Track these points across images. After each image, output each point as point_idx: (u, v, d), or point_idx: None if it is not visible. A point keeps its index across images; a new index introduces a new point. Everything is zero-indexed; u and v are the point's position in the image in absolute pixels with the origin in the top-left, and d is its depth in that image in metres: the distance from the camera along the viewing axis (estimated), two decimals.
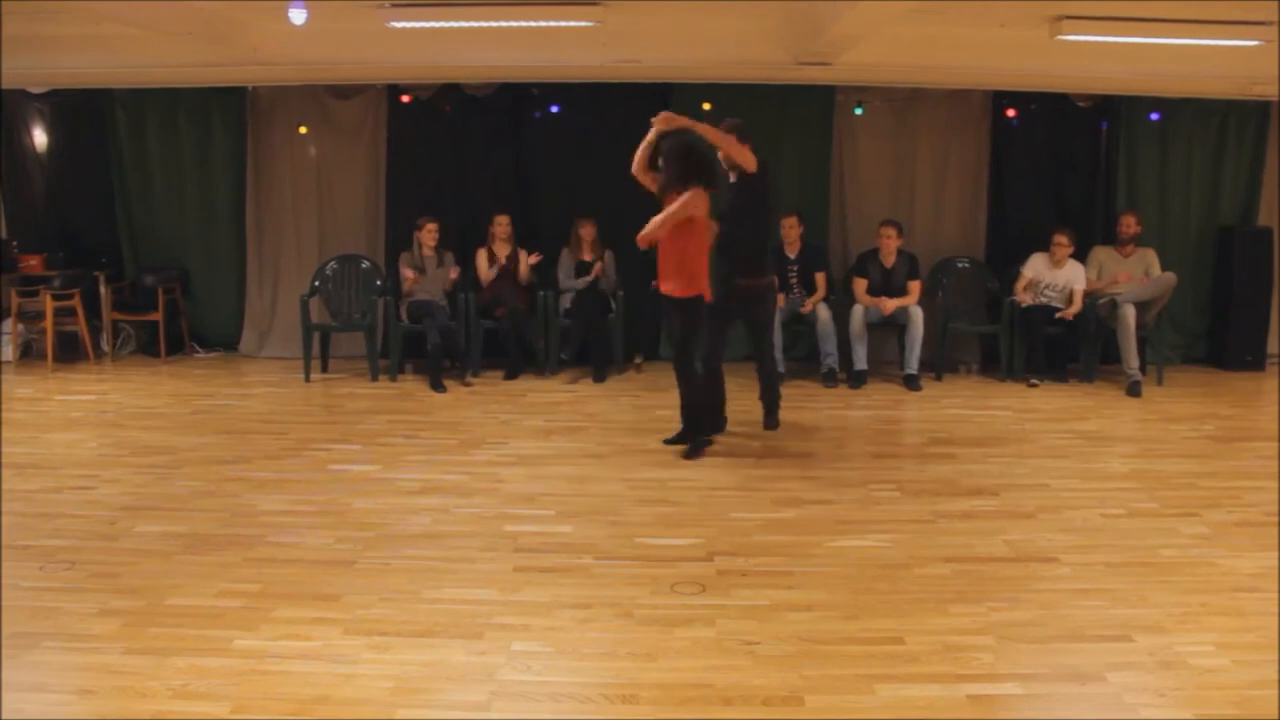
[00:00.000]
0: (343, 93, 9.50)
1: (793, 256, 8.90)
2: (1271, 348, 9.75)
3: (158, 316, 9.44)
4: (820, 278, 8.89)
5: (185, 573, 4.38)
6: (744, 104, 9.23)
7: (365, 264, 9.34)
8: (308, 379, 8.65)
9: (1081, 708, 3.35)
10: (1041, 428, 7.12)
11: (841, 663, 3.61)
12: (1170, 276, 8.58)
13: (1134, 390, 8.21)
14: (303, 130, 9.61)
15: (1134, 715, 3.27)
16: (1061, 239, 8.76)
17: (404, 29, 7.38)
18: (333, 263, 9.33)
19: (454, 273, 8.84)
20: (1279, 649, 3.70)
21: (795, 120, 9.43)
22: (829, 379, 8.56)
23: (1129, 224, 8.90)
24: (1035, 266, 8.88)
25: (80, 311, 9.21)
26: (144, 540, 4.79)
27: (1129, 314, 8.42)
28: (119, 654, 3.59)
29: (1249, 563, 4.62)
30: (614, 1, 6.88)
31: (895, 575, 4.47)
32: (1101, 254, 8.97)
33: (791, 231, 8.85)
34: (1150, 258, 8.86)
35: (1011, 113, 9.44)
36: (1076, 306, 8.66)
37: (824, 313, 8.67)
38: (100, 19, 7.22)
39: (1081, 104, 9.44)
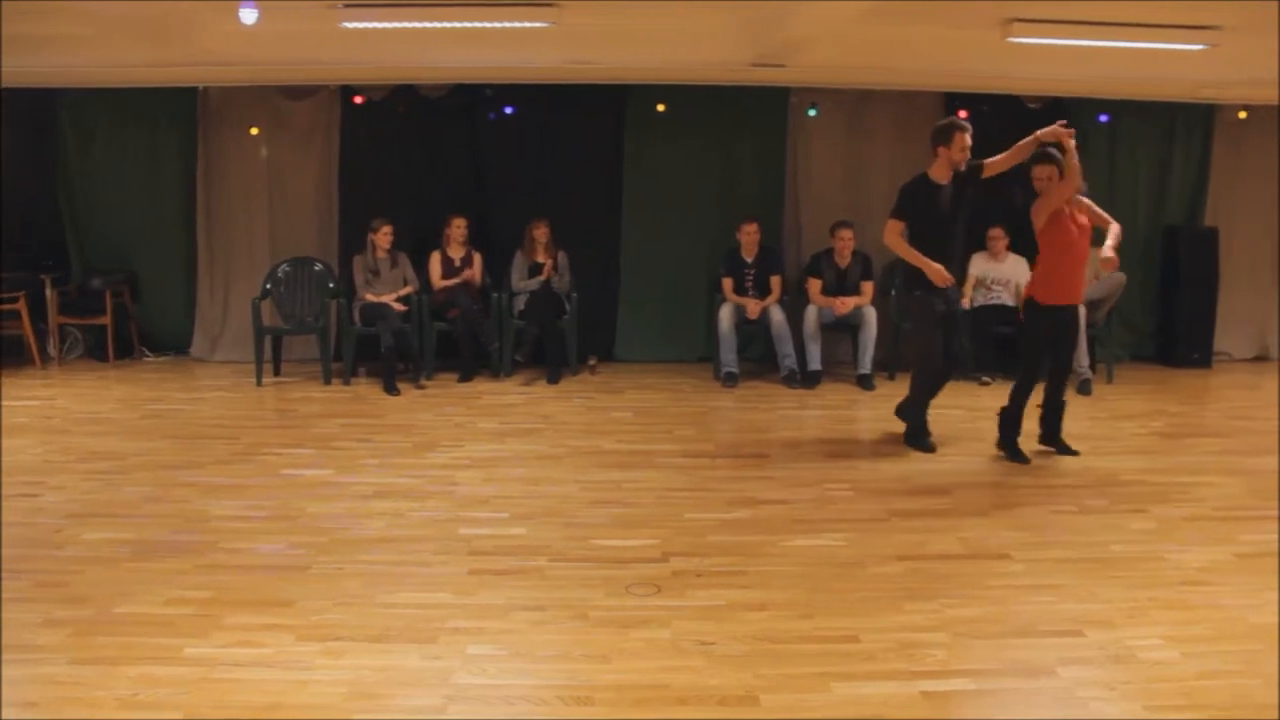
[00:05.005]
0: (295, 93, 9.41)
1: (750, 260, 8.94)
2: (1218, 345, 9.90)
3: (106, 320, 9.31)
4: (775, 280, 8.94)
5: (134, 580, 4.32)
6: (699, 105, 9.28)
7: (318, 266, 9.26)
8: (260, 383, 8.56)
9: (1033, 702, 3.38)
10: (993, 426, 7.14)
11: (797, 661, 3.62)
12: (1119, 276, 8.68)
13: (1084, 388, 8.31)
14: (254, 131, 9.50)
15: (1084, 709, 3.32)
16: (996, 232, 8.91)
17: (357, 29, 7.31)
18: (285, 265, 9.24)
19: (409, 289, 8.80)
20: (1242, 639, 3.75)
21: (750, 122, 9.47)
22: (790, 380, 8.60)
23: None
24: (978, 264, 8.99)
25: (25, 315, 9.05)
26: (91, 548, 4.71)
27: (1079, 313, 8.51)
28: (65, 664, 3.54)
29: (1196, 557, 4.70)
30: (569, 2, 6.86)
31: (850, 574, 4.50)
32: None
33: (751, 237, 8.89)
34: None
35: (963, 114, 9.47)
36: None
37: (778, 315, 8.71)
38: (47, 17, 7.10)
39: (1032, 105, 9.52)
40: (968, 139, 6.31)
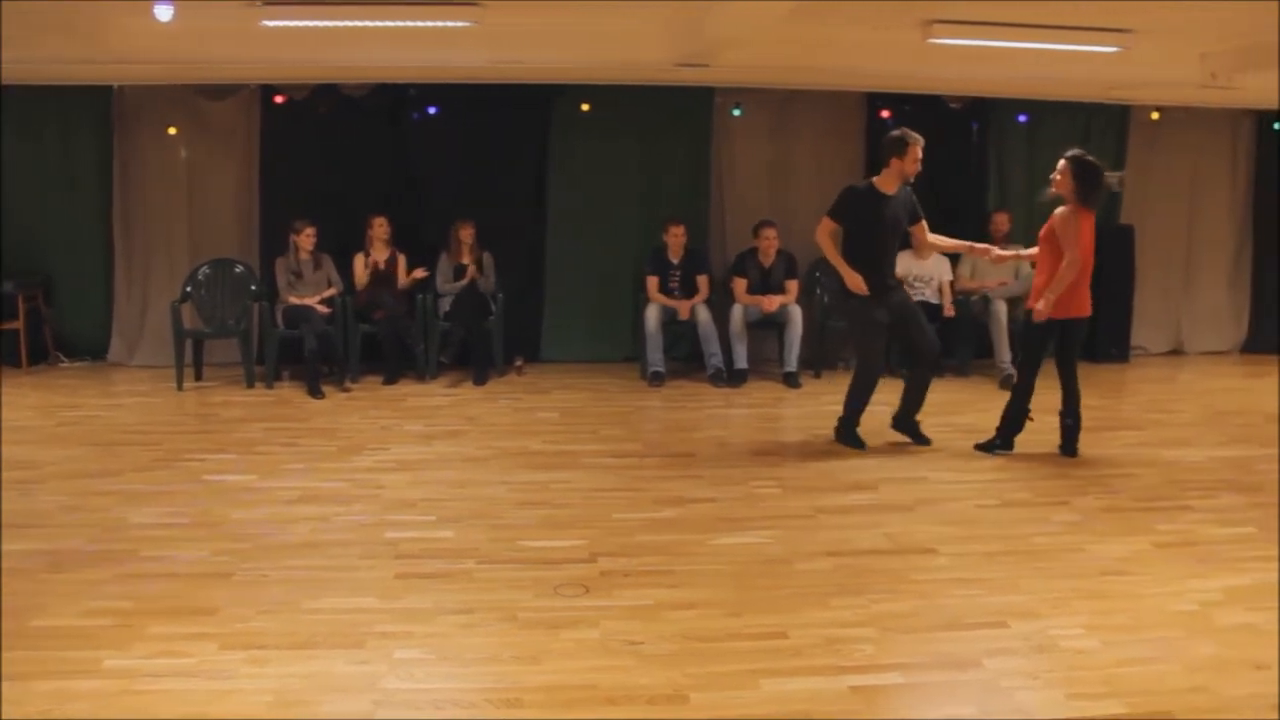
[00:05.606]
0: (214, 93, 9.25)
1: (675, 261, 8.97)
2: (1134, 340, 10.14)
3: (18, 325, 9.05)
4: (703, 280, 8.98)
5: (51, 592, 4.20)
6: (624, 105, 9.29)
7: (239, 268, 9.11)
8: (180, 388, 8.39)
9: (960, 694, 3.42)
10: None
11: (725, 659, 3.63)
12: None
13: (1006, 383, 8.39)
14: (172, 131, 9.33)
15: (1009, 699, 3.36)
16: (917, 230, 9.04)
17: (277, 28, 7.20)
18: (205, 267, 9.08)
19: (332, 291, 8.71)
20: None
21: (675, 121, 9.52)
22: (717, 379, 8.63)
23: (1001, 223, 9.18)
24: (902, 263, 9.07)
25: None
26: (5, 559, 4.56)
27: (1001, 310, 8.71)
28: None
29: (1116, 547, 4.80)
30: (492, 2, 6.82)
31: (777, 571, 4.52)
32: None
33: (677, 239, 8.92)
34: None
35: (886, 114, 9.63)
36: (948, 298, 8.93)
37: (704, 314, 8.75)
38: None
39: (954, 105, 9.67)
40: (919, 151, 6.37)
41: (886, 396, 6.76)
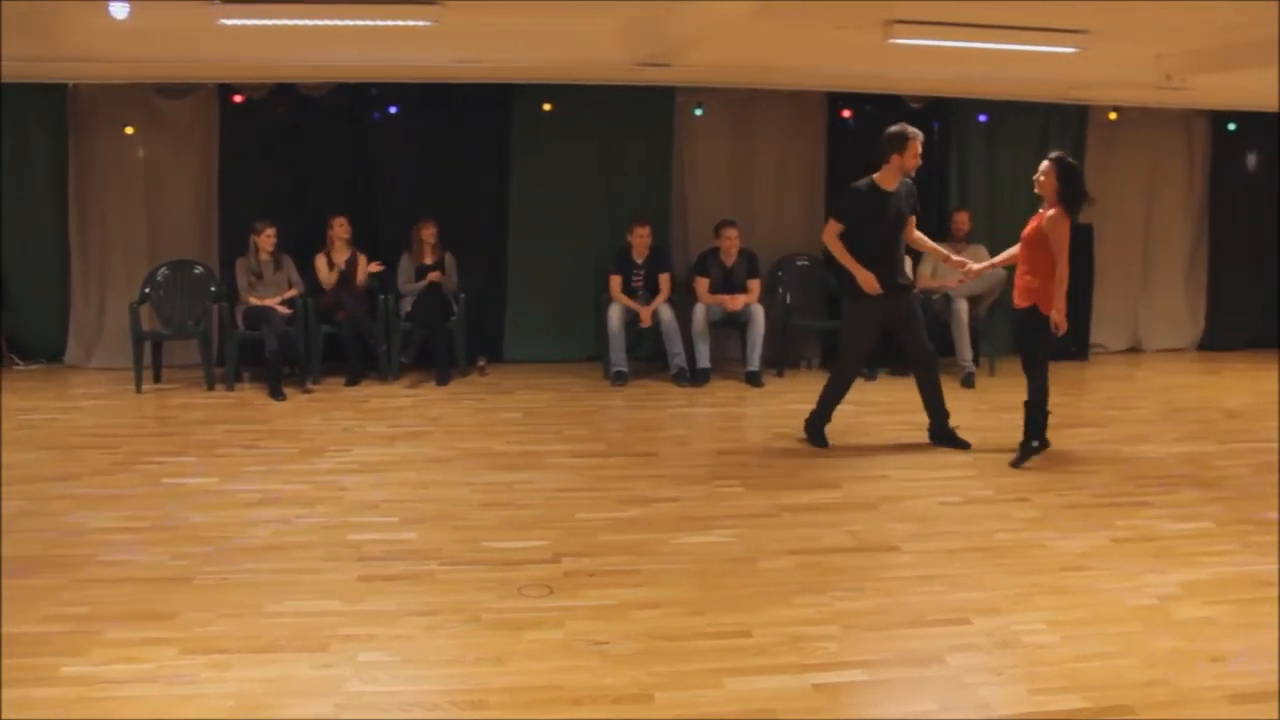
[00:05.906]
0: (172, 92, 9.15)
1: (640, 261, 8.96)
2: (1094, 338, 10.24)
3: None
4: (665, 279, 8.98)
5: (7, 599, 4.12)
6: (586, 105, 9.27)
7: (198, 269, 9.02)
8: (139, 390, 8.29)
9: (923, 690, 3.45)
10: (880, 419, 7.31)
11: (690, 658, 3.64)
12: (1000, 273, 8.90)
13: (968, 381, 8.51)
14: (129, 131, 9.21)
15: (972, 695, 3.39)
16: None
17: (235, 26, 7.14)
18: (164, 268, 8.98)
19: (293, 291, 8.64)
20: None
21: (637, 121, 9.49)
22: (680, 378, 8.63)
23: (962, 222, 9.23)
24: None
25: None
26: None
27: (962, 308, 8.77)
28: None
29: (1077, 543, 4.85)
30: (453, 1, 6.80)
31: (741, 569, 4.53)
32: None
33: (642, 240, 8.91)
34: (980, 254, 9.17)
35: (847, 114, 9.67)
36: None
37: (667, 313, 8.76)
38: None
39: (914, 105, 9.71)
40: (919, 146, 6.34)
41: (856, 397, 6.80)
